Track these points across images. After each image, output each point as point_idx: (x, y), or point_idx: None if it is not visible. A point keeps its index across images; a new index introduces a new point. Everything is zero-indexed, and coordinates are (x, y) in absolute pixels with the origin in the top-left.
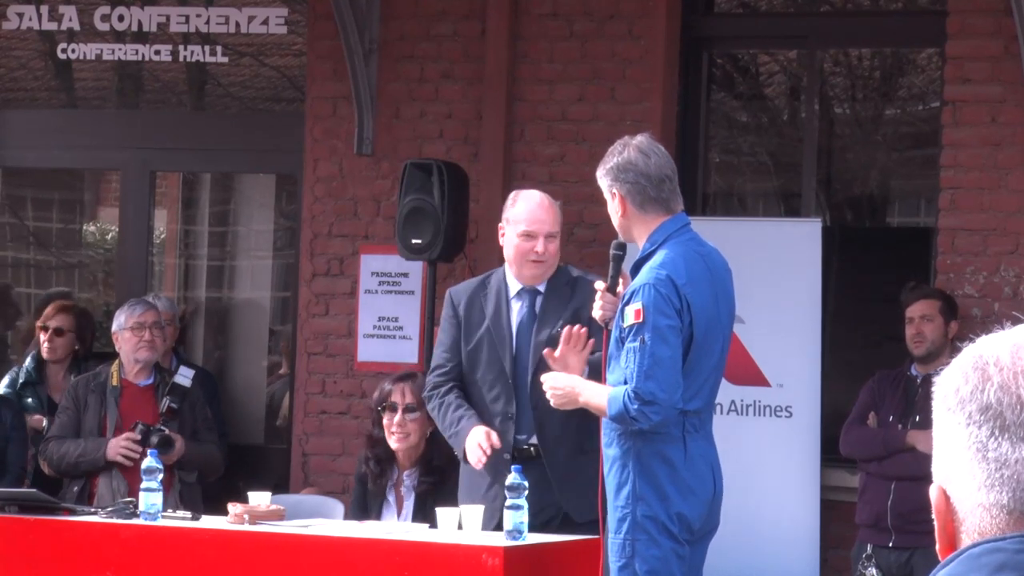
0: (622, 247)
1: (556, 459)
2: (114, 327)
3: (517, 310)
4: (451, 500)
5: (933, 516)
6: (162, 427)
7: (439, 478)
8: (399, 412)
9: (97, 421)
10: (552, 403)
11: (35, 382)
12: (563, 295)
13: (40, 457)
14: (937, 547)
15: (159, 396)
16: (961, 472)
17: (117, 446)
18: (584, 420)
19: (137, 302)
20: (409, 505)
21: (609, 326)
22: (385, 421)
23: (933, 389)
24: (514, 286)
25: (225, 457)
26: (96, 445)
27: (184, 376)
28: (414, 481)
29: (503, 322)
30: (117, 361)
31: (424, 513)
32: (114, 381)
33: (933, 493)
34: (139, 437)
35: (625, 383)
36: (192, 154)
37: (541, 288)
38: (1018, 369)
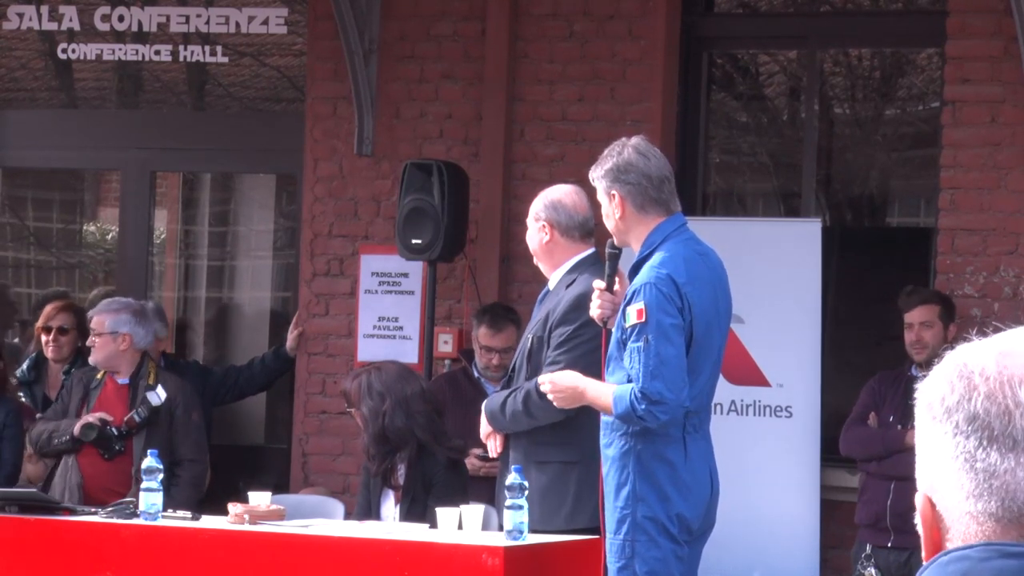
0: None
1: (503, 459)
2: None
3: None
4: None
5: (918, 523)
6: (114, 428)
7: (393, 448)
8: None
9: (76, 408)
10: (555, 404)
11: (31, 381)
12: (550, 300)
13: (27, 437)
14: (923, 554)
15: (131, 397)
16: (948, 481)
17: (84, 419)
18: (541, 434)
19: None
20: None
21: (608, 325)
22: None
23: (915, 396)
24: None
25: (206, 470)
26: (69, 423)
27: (156, 396)
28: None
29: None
30: None
31: (414, 481)
32: (99, 375)
33: (919, 501)
34: (110, 419)
35: (629, 382)
36: (192, 154)
37: (551, 288)
38: (1004, 378)
